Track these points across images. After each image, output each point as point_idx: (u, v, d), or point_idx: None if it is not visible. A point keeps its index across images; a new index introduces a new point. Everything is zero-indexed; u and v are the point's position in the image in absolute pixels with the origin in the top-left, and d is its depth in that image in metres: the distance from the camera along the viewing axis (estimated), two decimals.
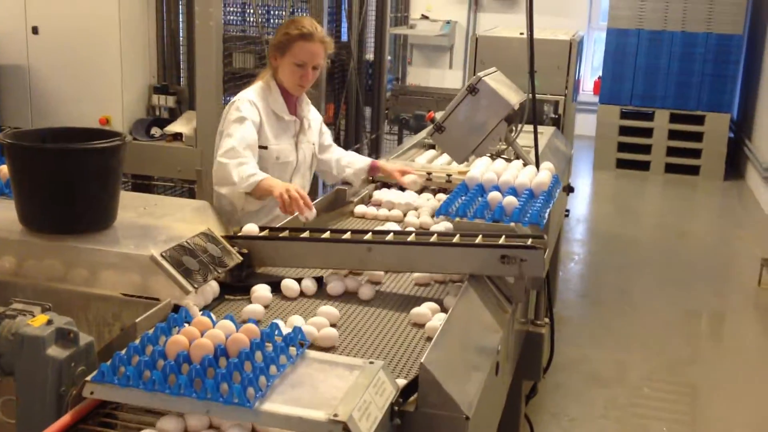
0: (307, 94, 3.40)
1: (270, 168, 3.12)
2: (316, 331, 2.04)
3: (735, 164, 9.45)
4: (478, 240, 2.38)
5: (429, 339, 2.08)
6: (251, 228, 2.55)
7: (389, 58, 8.04)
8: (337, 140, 7.12)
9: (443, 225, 2.82)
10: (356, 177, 3.44)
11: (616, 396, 4.25)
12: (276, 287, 2.34)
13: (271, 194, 2.87)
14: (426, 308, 2.21)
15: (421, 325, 2.17)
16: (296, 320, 2.11)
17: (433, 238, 2.43)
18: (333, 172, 3.50)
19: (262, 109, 3.14)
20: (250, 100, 3.12)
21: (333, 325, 2.11)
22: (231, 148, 2.98)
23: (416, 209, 3.19)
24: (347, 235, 2.49)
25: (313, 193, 5.08)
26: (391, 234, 2.49)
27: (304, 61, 3.12)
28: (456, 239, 2.40)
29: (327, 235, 2.52)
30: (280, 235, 2.55)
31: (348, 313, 2.25)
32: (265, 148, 3.13)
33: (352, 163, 3.48)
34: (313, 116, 3.40)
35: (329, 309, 2.19)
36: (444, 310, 2.24)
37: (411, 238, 2.45)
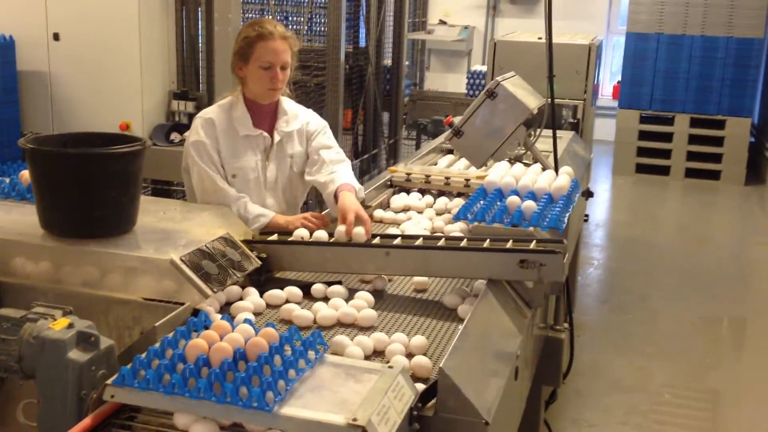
0: (303, 101, 3.15)
1: (229, 185, 2.96)
2: (356, 312, 2.20)
3: (756, 169, 9.36)
4: (497, 244, 2.37)
5: (461, 320, 2.18)
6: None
7: (407, 63, 8.05)
8: (355, 145, 7.14)
9: (462, 229, 2.82)
10: (327, 199, 3.02)
11: (636, 402, 4.21)
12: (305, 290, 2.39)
13: (286, 229, 2.71)
14: (456, 294, 2.35)
15: (453, 310, 2.30)
16: (337, 302, 2.26)
17: (452, 243, 2.43)
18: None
19: (220, 125, 2.95)
20: (206, 119, 2.96)
21: None
22: (219, 189, 2.89)
23: (435, 214, 3.19)
24: (366, 240, 2.49)
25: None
26: (410, 239, 2.49)
27: (270, 62, 2.90)
28: (475, 244, 2.40)
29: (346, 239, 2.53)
30: (297, 238, 2.56)
31: (382, 298, 2.40)
32: (222, 167, 2.96)
33: (329, 184, 2.99)
34: (297, 126, 3.09)
35: (365, 294, 2.32)
36: (474, 294, 2.34)
37: (429, 242, 2.45)
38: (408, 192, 3.49)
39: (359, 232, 2.53)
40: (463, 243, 2.43)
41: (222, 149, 2.96)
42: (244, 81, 3.01)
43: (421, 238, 2.49)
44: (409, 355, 1.99)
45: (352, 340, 2.04)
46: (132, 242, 2.25)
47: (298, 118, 3.13)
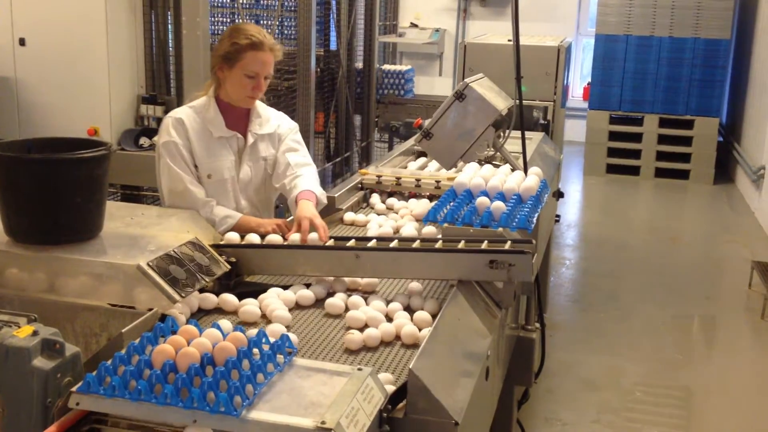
0: (274, 104, 3.18)
1: (204, 185, 2.96)
2: (361, 280, 2.44)
3: (724, 168, 9.48)
4: (467, 245, 2.38)
5: (452, 286, 2.36)
6: (232, 236, 2.56)
7: (378, 66, 8.06)
8: (327, 149, 7.13)
9: (432, 231, 2.82)
10: (290, 206, 3.04)
11: (608, 400, 4.24)
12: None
13: (255, 232, 2.70)
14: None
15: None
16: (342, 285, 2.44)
17: (422, 245, 2.43)
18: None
19: (191, 125, 2.94)
20: (176, 119, 2.94)
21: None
22: (188, 191, 2.88)
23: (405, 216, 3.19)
24: (336, 243, 2.49)
25: None
26: (380, 241, 2.49)
27: (256, 72, 2.92)
28: (444, 245, 2.40)
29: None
30: (269, 243, 2.55)
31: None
32: (197, 167, 2.95)
33: (290, 189, 3.02)
34: (270, 129, 3.10)
35: None
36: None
37: (399, 244, 2.45)
38: (379, 193, 3.50)
39: (313, 238, 2.62)
40: (433, 244, 2.43)
41: (196, 149, 2.95)
42: (221, 83, 2.99)
43: (392, 240, 2.49)
44: (411, 311, 2.26)
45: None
46: (98, 248, 2.22)
47: (270, 121, 3.13)
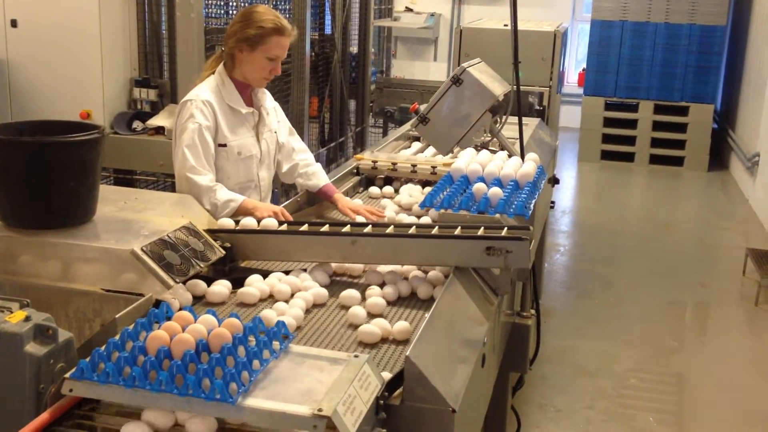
0: (268, 88, 3.27)
1: (232, 164, 3.01)
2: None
3: (719, 155, 9.48)
4: (464, 232, 2.36)
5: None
6: (226, 222, 2.53)
7: (373, 50, 8.02)
8: (321, 134, 7.09)
9: (428, 217, 2.81)
10: (304, 188, 3.26)
11: (602, 387, 4.25)
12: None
13: (252, 215, 2.73)
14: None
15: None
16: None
17: (418, 231, 2.42)
18: (282, 171, 3.29)
19: (217, 106, 2.97)
20: (204, 101, 2.95)
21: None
22: (193, 167, 2.88)
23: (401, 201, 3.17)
24: (332, 228, 2.47)
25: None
26: (376, 226, 2.47)
27: (278, 55, 3.01)
28: (441, 231, 2.39)
29: (311, 228, 2.50)
30: (264, 228, 2.53)
31: None
32: (225, 145, 2.99)
33: (308, 175, 3.24)
34: (269, 104, 3.22)
35: None
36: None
37: (396, 230, 2.43)
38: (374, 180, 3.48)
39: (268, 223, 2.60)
40: (430, 230, 2.41)
41: (223, 129, 2.99)
42: (236, 63, 3.02)
43: (388, 226, 2.47)
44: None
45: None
46: (91, 233, 2.20)
47: (266, 94, 3.23)
